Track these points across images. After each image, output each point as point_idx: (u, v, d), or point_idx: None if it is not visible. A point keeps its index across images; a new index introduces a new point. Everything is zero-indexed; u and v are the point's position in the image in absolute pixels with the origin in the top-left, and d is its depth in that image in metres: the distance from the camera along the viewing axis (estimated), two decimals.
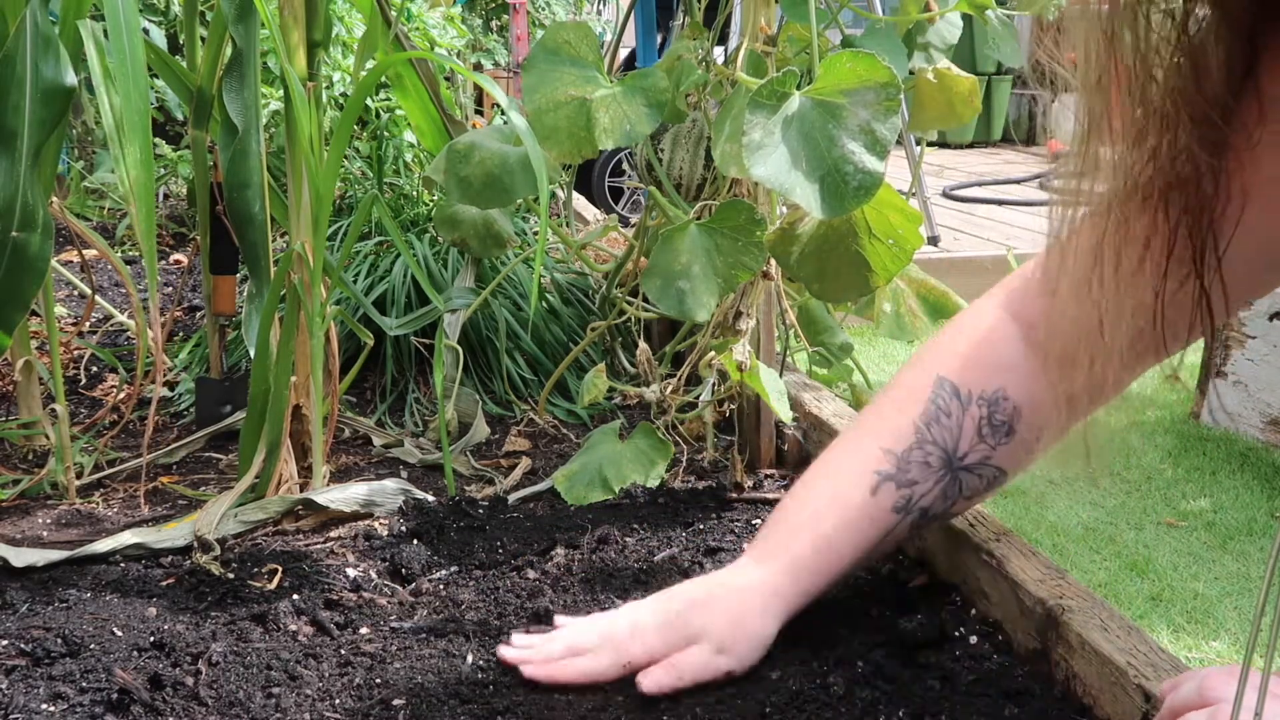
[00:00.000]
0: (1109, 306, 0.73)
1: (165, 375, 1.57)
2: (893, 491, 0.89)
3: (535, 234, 1.71)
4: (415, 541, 1.09)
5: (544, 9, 5.88)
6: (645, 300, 1.30)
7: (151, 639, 0.89)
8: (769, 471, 1.26)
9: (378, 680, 0.84)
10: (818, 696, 0.81)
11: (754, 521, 1.14)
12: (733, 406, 1.31)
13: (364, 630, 0.93)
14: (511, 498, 1.21)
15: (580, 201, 2.50)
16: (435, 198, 1.72)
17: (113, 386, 1.58)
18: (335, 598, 0.98)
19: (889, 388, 0.95)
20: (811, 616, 0.90)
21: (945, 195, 5.83)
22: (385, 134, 1.81)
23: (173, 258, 2.44)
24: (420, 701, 0.81)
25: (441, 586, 1.01)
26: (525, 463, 1.32)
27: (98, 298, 1.68)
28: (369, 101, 1.78)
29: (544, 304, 1.61)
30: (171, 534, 1.09)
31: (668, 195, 1.23)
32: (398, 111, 1.79)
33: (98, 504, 1.22)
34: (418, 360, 1.54)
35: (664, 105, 1.08)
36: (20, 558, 1.04)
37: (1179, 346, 0.81)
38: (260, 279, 1.23)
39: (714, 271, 1.07)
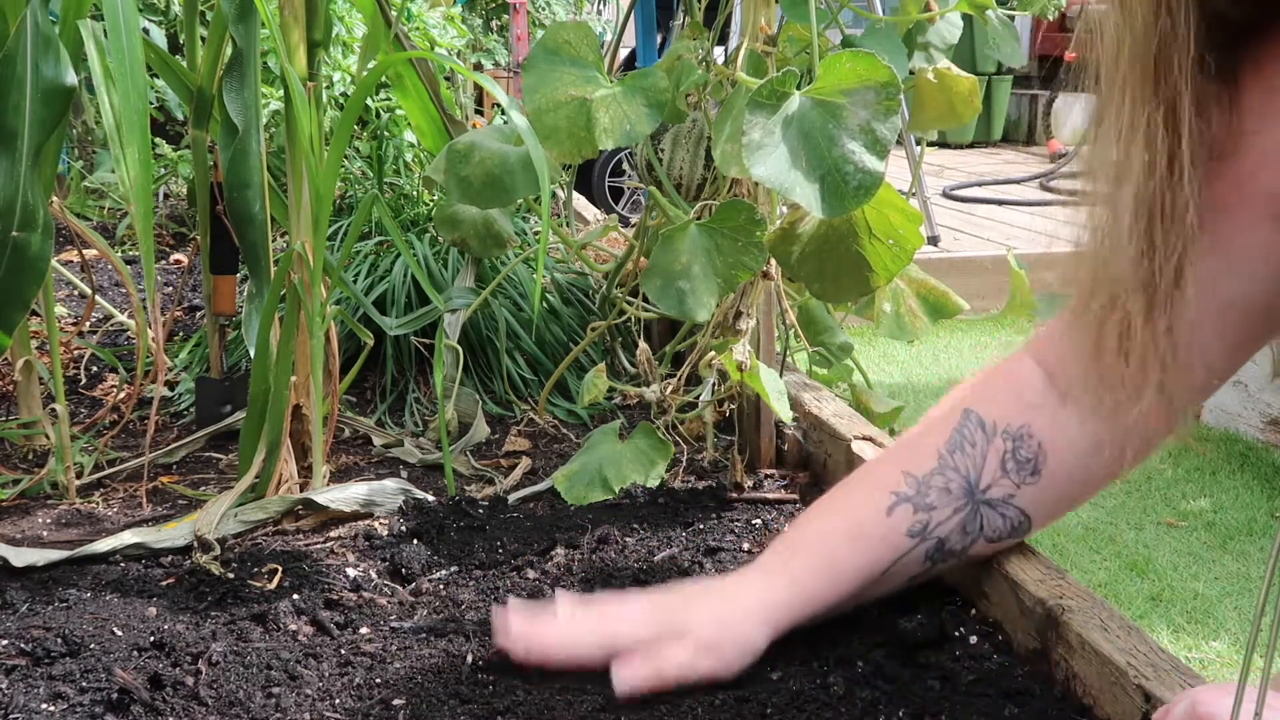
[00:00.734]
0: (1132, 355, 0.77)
1: (165, 375, 1.57)
2: (909, 514, 0.88)
3: (535, 234, 1.71)
4: (415, 541, 1.09)
5: (544, 9, 5.89)
6: (645, 300, 1.30)
7: (151, 639, 0.89)
8: (769, 471, 1.26)
9: (378, 680, 0.84)
10: (818, 696, 0.81)
11: (754, 521, 1.15)
12: (733, 406, 1.31)
13: (364, 630, 0.93)
14: (511, 498, 1.21)
15: (580, 201, 2.50)
16: (435, 198, 1.72)
17: (113, 386, 1.58)
18: (335, 598, 0.98)
19: (918, 423, 0.96)
20: None
21: (945, 195, 5.84)
22: (385, 134, 1.81)
23: (173, 258, 2.44)
24: (420, 701, 0.81)
25: (441, 586, 1.01)
26: (525, 463, 1.32)
27: (98, 298, 1.68)
28: (369, 101, 1.77)
29: (544, 304, 1.61)
30: (171, 534, 1.09)
31: (668, 195, 1.23)
32: (398, 111, 1.79)
33: (98, 504, 1.22)
34: (418, 360, 1.54)
35: (664, 105, 1.08)
36: (20, 557, 1.04)
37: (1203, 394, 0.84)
38: (260, 279, 1.23)
39: (714, 271, 1.07)
